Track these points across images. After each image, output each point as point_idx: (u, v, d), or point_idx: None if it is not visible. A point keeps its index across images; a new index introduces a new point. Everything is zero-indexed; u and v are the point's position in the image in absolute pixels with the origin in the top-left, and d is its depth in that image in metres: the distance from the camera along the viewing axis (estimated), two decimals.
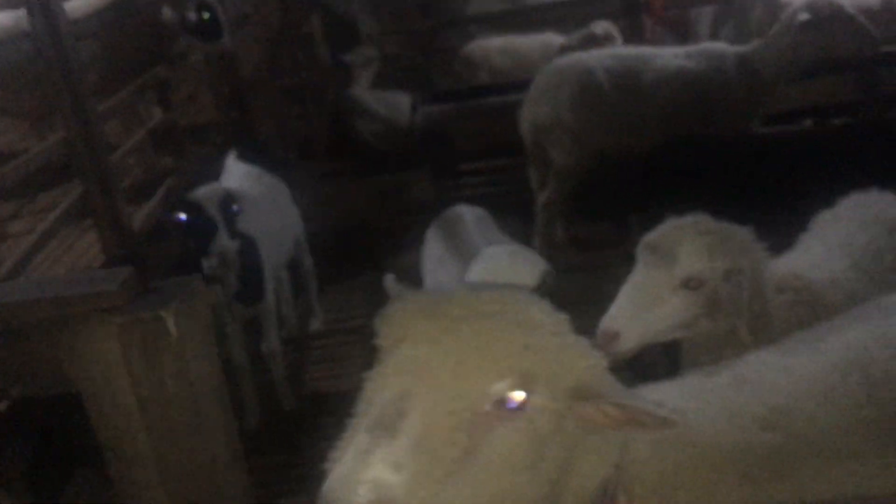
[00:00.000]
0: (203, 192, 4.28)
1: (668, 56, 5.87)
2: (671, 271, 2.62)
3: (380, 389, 1.61)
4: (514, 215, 5.40)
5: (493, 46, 8.69)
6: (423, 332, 1.65)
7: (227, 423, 1.43)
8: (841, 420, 1.99)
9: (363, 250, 6.91)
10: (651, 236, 2.72)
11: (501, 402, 1.60)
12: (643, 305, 2.62)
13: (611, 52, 6.18)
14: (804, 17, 5.39)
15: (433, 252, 3.71)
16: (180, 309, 1.31)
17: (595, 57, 5.88)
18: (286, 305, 5.59)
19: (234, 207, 4.26)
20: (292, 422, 4.84)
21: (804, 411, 2.00)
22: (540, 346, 1.65)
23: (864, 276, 2.85)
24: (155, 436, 1.35)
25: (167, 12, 6.64)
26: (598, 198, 5.89)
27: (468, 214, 3.88)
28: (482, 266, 2.84)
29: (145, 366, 1.31)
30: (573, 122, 5.73)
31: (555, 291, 2.98)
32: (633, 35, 7.74)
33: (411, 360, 1.62)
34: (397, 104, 8.89)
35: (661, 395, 2.10)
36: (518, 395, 1.60)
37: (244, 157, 5.13)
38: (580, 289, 4.60)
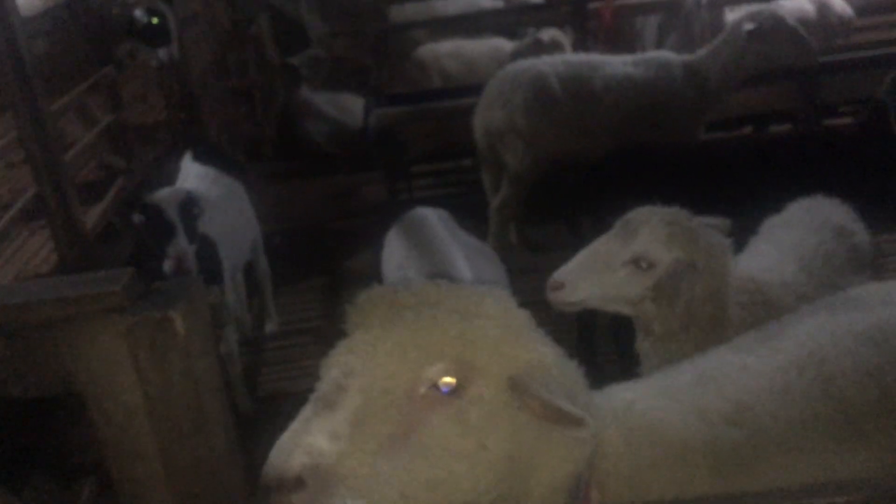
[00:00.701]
0: (163, 195, 4.26)
1: (618, 64, 6.02)
2: (627, 245, 2.77)
3: (329, 367, 1.70)
4: (466, 218, 5.47)
5: (443, 50, 8.76)
6: (375, 318, 1.75)
7: (226, 418, 1.47)
8: (800, 415, 2.10)
9: (316, 252, 6.92)
10: (628, 214, 2.87)
11: (435, 386, 1.68)
12: (593, 268, 2.79)
13: (563, 58, 6.30)
14: (749, 26, 5.58)
15: (396, 254, 3.75)
16: (186, 309, 1.34)
17: (548, 63, 5.99)
18: (242, 307, 5.58)
19: (195, 211, 4.25)
20: (248, 424, 4.83)
21: (766, 407, 2.11)
22: (478, 335, 1.73)
23: (814, 278, 2.99)
24: (160, 433, 1.38)
25: (116, 10, 6.57)
26: (551, 201, 6.00)
27: (432, 216, 3.93)
28: None
29: (153, 364, 1.34)
30: (526, 126, 5.83)
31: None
32: (582, 43, 7.88)
33: (360, 342, 1.72)
34: (347, 106, 8.90)
35: (632, 393, 2.19)
36: (449, 381, 1.69)
37: (200, 157, 5.10)
38: (532, 290, 4.70)
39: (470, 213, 6.04)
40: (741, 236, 3.71)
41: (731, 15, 7.69)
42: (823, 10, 8.37)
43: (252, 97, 9.30)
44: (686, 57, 6.01)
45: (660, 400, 2.15)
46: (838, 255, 3.10)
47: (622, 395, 2.20)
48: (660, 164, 4.96)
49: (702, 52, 5.96)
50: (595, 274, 2.79)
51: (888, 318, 2.33)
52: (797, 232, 3.24)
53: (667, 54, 6.20)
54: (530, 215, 6.45)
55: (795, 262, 3.05)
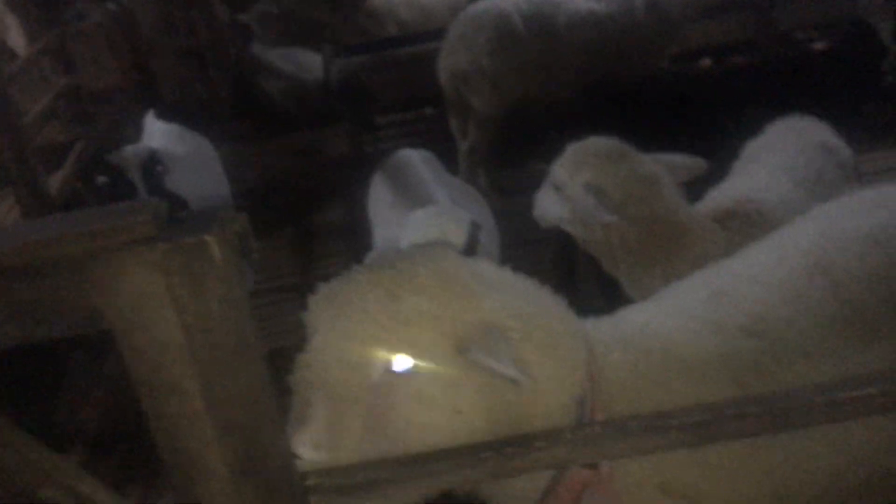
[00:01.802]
0: (124, 153, 4.14)
1: (580, 0, 5.97)
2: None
3: (296, 384, 1.77)
4: None
5: None
6: (323, 321, 1.79)
7: (261, 346, 1.43)
8: (815, 322, 2.10)
9: (284, 209, 6.82)
10: None
11: (388, 370, 1.73)
12: (545, 194, 3.12)
13: None
14: None
15: (382, 198, 3.69)
16: (219, 234, 1.29)
17: (510, 2, 5.90)
18: None
19: (158, 168, 4.13)
20: None
21: (781, 316, 2.11)
22: (413, 314, 1.75)
23: (808, 194, 3.02)
24: (201, 364, 1.32)
25: None
26: (521, 143, 5.96)
27: (416, 158, 3.88)
28: (411, 233, 2.90)
29: (190, 293, 1.28)
30: (492, 68, 5.75)
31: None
32: None
33: (313, 351, 1.77)
34: (302, 61, 8.72)
35: (645, 315, 2.19)
36: (399, 362, 1.73)
37: (164, 115, 4.96)
38: (507, 235, 4.68)
39: (440, 160, 6.00)
40: (722, 161, 3.73)
41: None
42: None
43: (203, 57, 9.08)
44: None
45: (674, 319, 2.15)
46: (828, 171, 3.14)
47: (634, 317, 2.20)
48: (634, 98, 4.96)
49: None
50: (543, 198, 3.11)
51: (888, 219, 2.34)
52: (784, 152, 3.26)
53: None
54: (500, 158, 6.40)
55: (789, 180, 3.08)
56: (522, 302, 1.89)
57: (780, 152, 3.27)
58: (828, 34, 6.50)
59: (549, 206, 3.08)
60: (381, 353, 1.73)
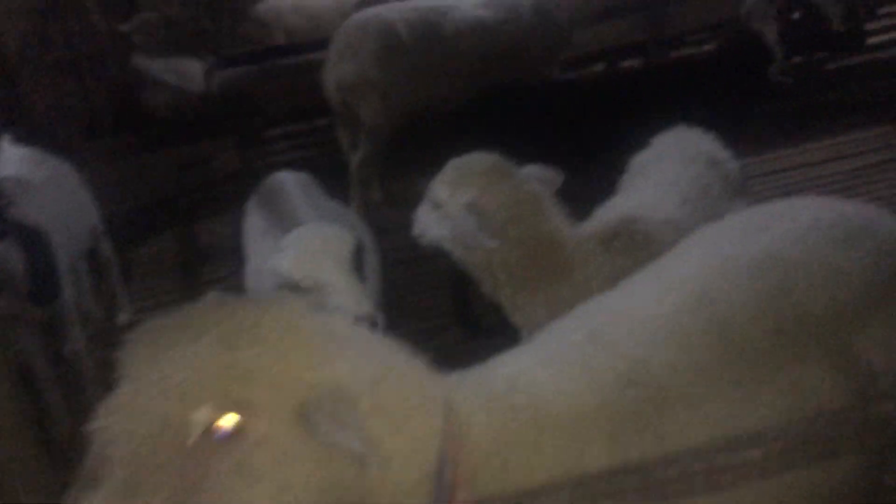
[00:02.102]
0: None
1: (466, 7, 5.88)
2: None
3: (95, 436, 1.49)
4: (328, 179, 5.19)
5: (285, 5, 8.33)
6: (138, 364, 1.53)
7: (22, 433, 1.18)
8: (699, 364, 1.94)
9: (168, 229, 6.48)
10: None
11: (208, 431, 1.47)
12: (424, 212, 2.93)
13: (410, 5, 6.05)
14: None
15: (256, 224, 3.44)
16: None
17: (395, 10, 5.76)
18: (88, 299, 5.10)
19: (1, 201, 3.76)
20: None
21: (662, 360, 1.93)
22: (249, 366, 1.51)
23: (695, 210, 2.91)
24: None
25: None
26: (413, 154, 5.78)
27: (290, 181, 3.63)
28: (292, 253, 2.68)
29: None
30: (379, 78, 5.60)
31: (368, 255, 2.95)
32: None
33: (120, 397, 1.50)
34: (187, 71, 8.35)
35: (520, 364, 1.99)
36: (225, 422, 1.47)
37: (20, 139, 4.57)
38: (400, 248, 4.48)
39: (331, 175, 5.77)
40: (608, 174, 3.60)
41: None
42: None
43: (80, 70, 8.60)
44: None
45: (547, 368, 1.95)
46: (714, 185, 3.04)
47: (505, 369, 1.97)
48: (522, 107, 4.84)
49: None
50: (424, 214, 2.92)
51: (771, 244, 2.20)
52: (670, 165, 3.15)
53: None
54: (392, 170, 6.21)
55: (676, 196, 2.97)
56: (375, 365, 1.68)
57: (667, 166, 3.15)
58: (715, 38, 6.52)
59: (428, 225, 2.92)
60: (204, 410, 1.46)
